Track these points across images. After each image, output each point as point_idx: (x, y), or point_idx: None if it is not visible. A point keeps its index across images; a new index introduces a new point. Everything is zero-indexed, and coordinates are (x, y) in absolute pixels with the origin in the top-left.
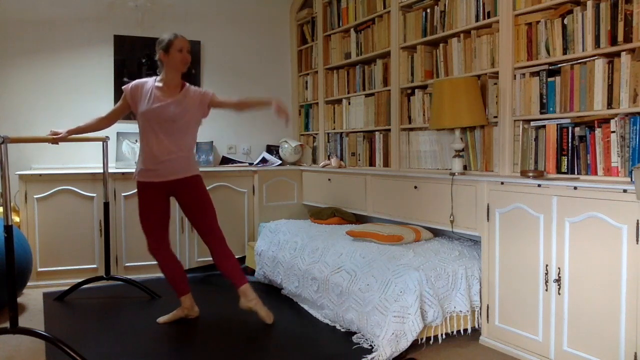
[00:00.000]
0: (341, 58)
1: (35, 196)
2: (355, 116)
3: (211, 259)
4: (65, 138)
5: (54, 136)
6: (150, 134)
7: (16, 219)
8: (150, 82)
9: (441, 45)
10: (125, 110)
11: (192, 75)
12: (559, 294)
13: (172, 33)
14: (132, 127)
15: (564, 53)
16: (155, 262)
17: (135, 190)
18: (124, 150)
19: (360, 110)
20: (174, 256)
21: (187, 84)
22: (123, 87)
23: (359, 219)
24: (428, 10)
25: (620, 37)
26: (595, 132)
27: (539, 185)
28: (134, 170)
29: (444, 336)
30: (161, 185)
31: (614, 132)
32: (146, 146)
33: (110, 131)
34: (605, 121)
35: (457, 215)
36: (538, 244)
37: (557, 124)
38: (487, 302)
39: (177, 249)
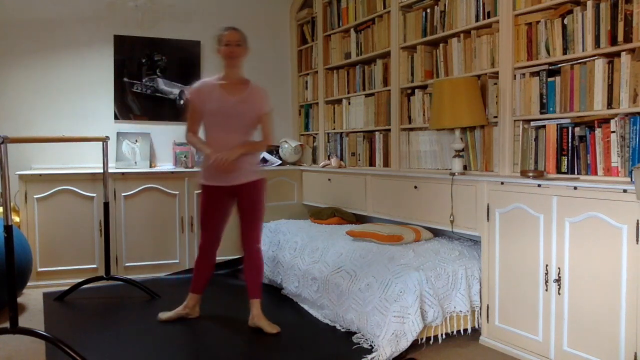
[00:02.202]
0: (341, 58)
1: (35, 196)
2: (355, 116)
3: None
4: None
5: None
6: (218, 132)
7: (16, 219)
8: (213, 80)
9: (441, 45)
10: (200, 115)
11: (192, 75)
12: (559, 294)
13: (224, 27)
14: (132, 127)
15: (564, 53)
16: (156, 262)
17: (136, 191)
18: (124, 150)
19: (360, 110)
20: (214, 259)
21: (251, 82)
22: (188, 93)
23: (359, 219)
24: (428, 10)
25: (620, 37)
26: (595, 132)
27: (539, 185)
28: (134, 170)
29: (444, 336)
30: (227, 188)
31: (614, 132)
32: (215, 144)
33: (110, 131)
34: (605, 121)
35: (457, 215)
36: (538, 244)
37: (557, 124)
38: (487, 302)
39: (177, 248)
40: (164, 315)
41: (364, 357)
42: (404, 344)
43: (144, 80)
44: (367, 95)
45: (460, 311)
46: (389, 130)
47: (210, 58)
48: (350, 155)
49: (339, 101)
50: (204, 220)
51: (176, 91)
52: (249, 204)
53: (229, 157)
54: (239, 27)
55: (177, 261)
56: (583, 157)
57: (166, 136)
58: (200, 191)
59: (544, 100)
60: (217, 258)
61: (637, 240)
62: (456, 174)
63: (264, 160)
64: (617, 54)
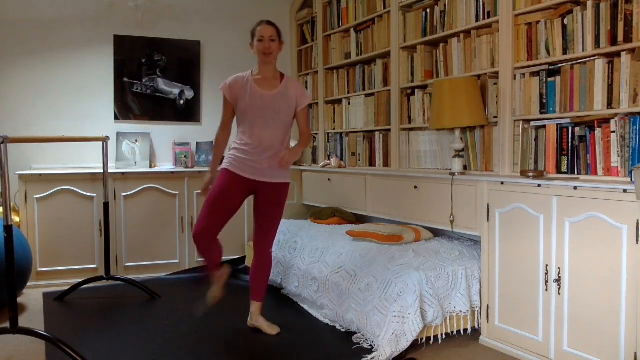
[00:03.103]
0: (341, 58)
1: (35, 196)
2: (355, 116)
3: None
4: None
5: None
6: (253, 128)
7: (16, 219)
8: (247, 76)
9: (441, 45)
10: (232, 112)
11: (192, 75)
12: (559, 294)
13: (260, 20)
14: (132, 127)
15: (564, 53)
16: (156, 262)
17: (136, 191)
18: (124, 150)
19: (360, 110)
20: (217, 241)
21: (286, 75)
22: (221, 88)
23: (359, 219)
24: (428, 10)
25: (620, 37)
26: (595, 132)
27: (539, 185)
28: (134, 170)
29: (444, 336)
30: (250, 183)
31: (614, 132)
32: (246, 138)
33: (111, 131)
34: (605, 121)
35: (457, 215)
36: (538, 244)
37: (557, 124)
38: (487, 302)
39: (177, 248)
40: (213, 293)
41: (364, 357)
42: (404, 344)
43: (144, 80)
44: (367, 95)
45: (460, 311)
46: (389, 130)
47: (211, 58)
48: (350, 155)
49: (339, 101)
50: (212, 205)
51: (176, 91)
52: (270, 206)
53: (293, 158)
54: (239, 26)
55: (177, 261)
56: (583, 157)
57: (166, 136)
58: (216, 176)
59: (544, 100)
60: None
61: (637, 240)
62: (456, 174)
63: None
64: (617, 54)
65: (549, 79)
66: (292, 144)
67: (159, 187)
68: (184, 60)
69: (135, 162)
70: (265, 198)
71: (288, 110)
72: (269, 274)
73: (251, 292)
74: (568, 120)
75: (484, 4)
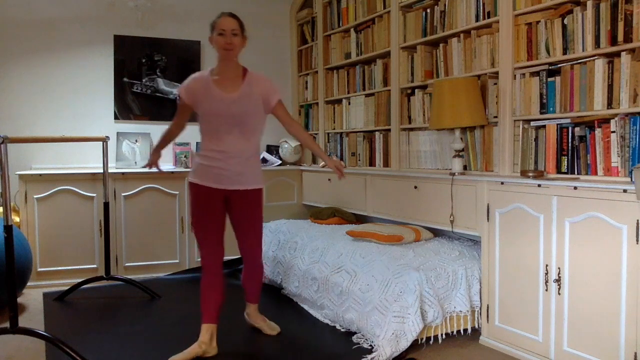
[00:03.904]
0: (341, 58)
1: (35, 196)
2: (355, 116)
3: None
4: (157, 160)
5: (152, 164)
6: (217, 134)
7: (16, 219)
8: (206, 75)
9: (441, 45)
10: (188, 112)
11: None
12: (559, 294)
13: (221, 12)
14: (132, 127)
15: (564, 53)
16: (156, 263)
17: (136, 191)
18: (124, 150)
19: (360, 110)
20: (222, 281)
21: (249, 71)
22: (177, 90)
23: (359, 219)
24: (428, 10)
25: (620, 37)
26: (595, 132)
27: (539, 185)
28: (134, 170)
29: (444, 336)
30: (220, 192)
31: (614, 132)
32: (210, 145)
33: (111, 131)
34: (605, 121)
35: (457, 215)
36: (538, 244)
37: (557, 124)
38: (487, 302)
39: (177, 248)
40: (175, 357)
41: (364, 357)
42: (404, 344)
43: (144, 80)
44: (367, 95)
45: (460, 311)
46: (389, 130)
47: (211, 58)
48: (350, 155)
49: (339, 101)
50: (202, 230)
51: (176, 91)
52: (244, 214)
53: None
54: None
55: (177, 261)
56: (583, 157)
57: None
58: (189, 193)
59: (544, 100)
60: None
61: (637, 240)
62: (456, 174)
63: (264, 160)
64: (617, 54)
65: (549, 79)
66: (289, 144)
67: (159, 187)
68: (184, 60)
69: (135, 162)
70: (237, 206)
71: (255, 111)
72: (261, 279)
73: (246, 295)
74: (568, 120)
75: (484, 4)
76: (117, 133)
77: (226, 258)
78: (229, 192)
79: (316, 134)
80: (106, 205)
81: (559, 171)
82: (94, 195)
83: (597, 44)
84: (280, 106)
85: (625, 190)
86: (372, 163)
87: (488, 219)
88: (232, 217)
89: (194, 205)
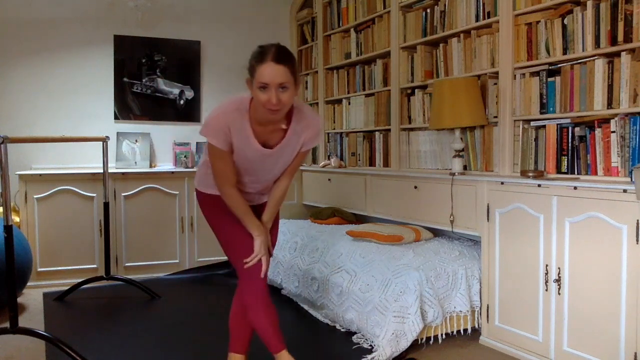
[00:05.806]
0: (341, 58)
1: (35, 196)
2: (355, 116)
3: (211, 258)
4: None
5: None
6: (245, 176)
7: (16, 219)
8: (243, 113)
9: (441, 45)
10: (230, 162)
11: (192, 75)
12: (559, 294)
13: (261, 50)
14: (132, 127)
15: (564, 53)
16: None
17: (136, 191)
18: (124, 150)
19: (360, 110)
20: (271, 305)
21: (297, 110)
22: (204, 133)
23: (359, 219)
24: (428, 10)
25: (620, 37)
26: (595, 132)
27: (539, 185)
28: (134, 170)
29: (444, 336)
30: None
31: (614, 132)
32: (238, 183)
33: (111, 131)
34: (605, 121)
35: (457, 215)
36: (538, 244)
37: (557, 124)
38: (487, 302)
39: (177, 248)
40: None
41: (364, 357)
42: (404, 344)
43: (144, 80)
44: (367, 95)
45: (460, 311)
46: (389, 130)
47: (211, 58)
48: (350, 155)
49: (339, 101)
50: (238, 249)
51: (176, 91)
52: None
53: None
54: (239, 26)
55: (177, 261)
56: (583, 157)
57: (166, 136)
58: (205, 207)
59: (544, 100)
60: (216, 258)
61: (637, 240)
62: (456, 174)
63: None
64: (617, 54)
65: (549, 79)
66: None
67: (159, 187)
68: (184, 60)
69: (135, 162)
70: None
71: (292, 154)
72: (276, 316)
73: (268, 345)
74: (568, 120)
75: (484, 4)
76: (117, 133)
77: (226, 258)
78: (256, 207)
79: None
80: (106, 205)
81: (559, 171)
82: (94, 195)
83: (597, 44)
84: (306, 153)
85: (625, 190)
86: (372, 163)
87: (488, 219)
88: None
89: (217, 216)
